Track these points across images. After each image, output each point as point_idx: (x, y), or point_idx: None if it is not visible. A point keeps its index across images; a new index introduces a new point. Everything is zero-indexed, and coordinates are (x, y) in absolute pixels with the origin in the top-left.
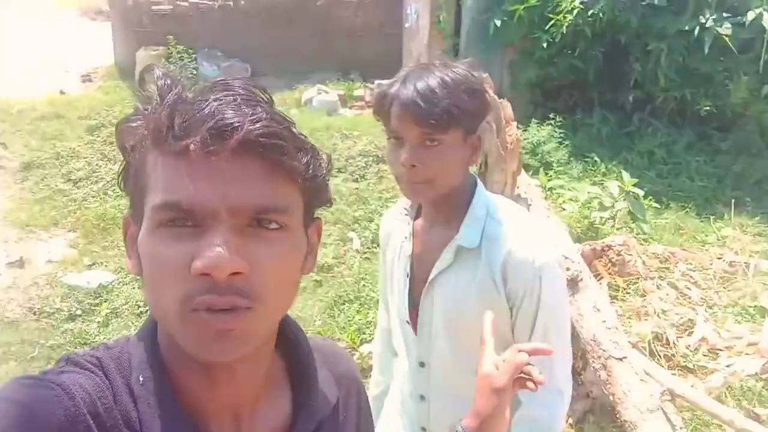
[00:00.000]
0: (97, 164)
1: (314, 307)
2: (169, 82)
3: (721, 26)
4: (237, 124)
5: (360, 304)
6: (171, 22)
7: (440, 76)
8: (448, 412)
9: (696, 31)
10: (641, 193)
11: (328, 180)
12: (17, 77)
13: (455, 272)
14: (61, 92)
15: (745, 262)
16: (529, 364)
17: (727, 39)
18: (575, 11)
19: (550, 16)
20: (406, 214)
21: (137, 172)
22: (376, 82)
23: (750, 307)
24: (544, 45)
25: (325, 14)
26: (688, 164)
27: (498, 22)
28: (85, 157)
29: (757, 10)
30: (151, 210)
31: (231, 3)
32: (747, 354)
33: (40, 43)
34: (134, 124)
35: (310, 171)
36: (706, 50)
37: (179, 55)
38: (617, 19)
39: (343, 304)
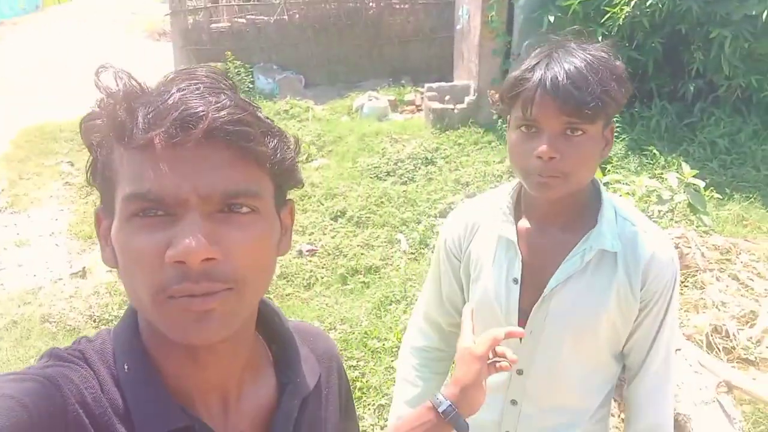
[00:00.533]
0: None
1: (361, 308)
2: (127, 78)
3: None
4: (201, 113)
5: (407, 304)
6: (229, 39)
7: (586, 58)
8: (539, 420)
9: (764, 15)
10: (702, 184)
11: (297, 162)
12: (84, 98)
13: (587, 278)
14: None
15: None
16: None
17: None
18: (632, 3)
19: (606, 9)
20: (508, 213)
21: (105, 167)
22: (426, 85)
23: None
24: (600, 39)
25: (377, 22)
26: (753, 153)
27: (552, 18)
28: None
29: None
30: (122, 201)
31: (285, 17)
32: None
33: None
34: (99, 121)
35: (278, 155)
36: None
37: (236, 70)
38: (677, 9)
39: (390, 304)
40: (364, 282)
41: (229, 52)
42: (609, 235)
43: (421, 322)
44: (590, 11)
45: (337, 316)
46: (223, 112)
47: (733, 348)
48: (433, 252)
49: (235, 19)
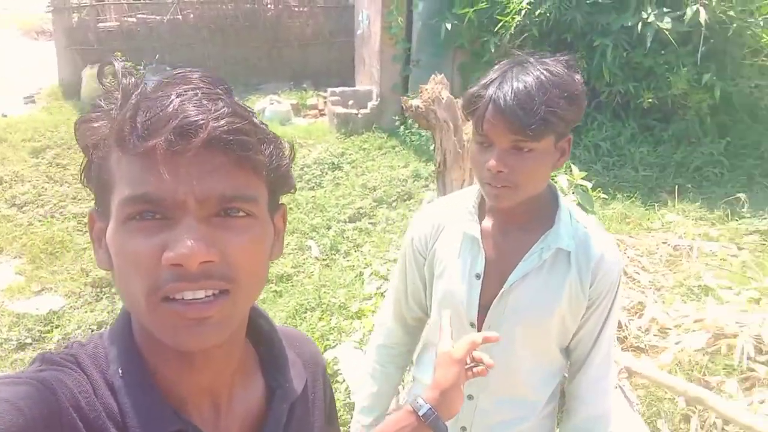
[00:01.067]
0: (42, 187)
1: (275, 318)
2: (132, 80)
3: (662, 21)
4: (201, 122)
5: (322, 311)
6: (118, 39)
7: (538, 77)
8: (494, 413)
9: (639, 27)
10: (589, 185)
11: (291, 168)
12: None
13: (544, 275)
14: (3, 115)
15: (688, 245)
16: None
17: (667, 33)
18: (523, 12)
19: (499, 17)
20: (473, 213)
21: (101, 169)
22: (329, 90)
23: (694, 286)
24: (492, 48)
25: (275, 24)
26: (632, 155)
27: (449, 26)
28: (29, 181)
29: (695, 6)
30: (119, 204)
31: (179, 16)
32: (694, 330)
33: None
34: (96, 124)
35: (274, 162)
36: (648, 44)
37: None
38: (563, 18)
39: (305, 312)
40: (276, 291)
41: (119, 53)
42: (565, 236)
43: (387, 320)
44: (484, 20)
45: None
46: (222, 122)
47: (626, 337)
48: (345, 257)
49: (125, 18)
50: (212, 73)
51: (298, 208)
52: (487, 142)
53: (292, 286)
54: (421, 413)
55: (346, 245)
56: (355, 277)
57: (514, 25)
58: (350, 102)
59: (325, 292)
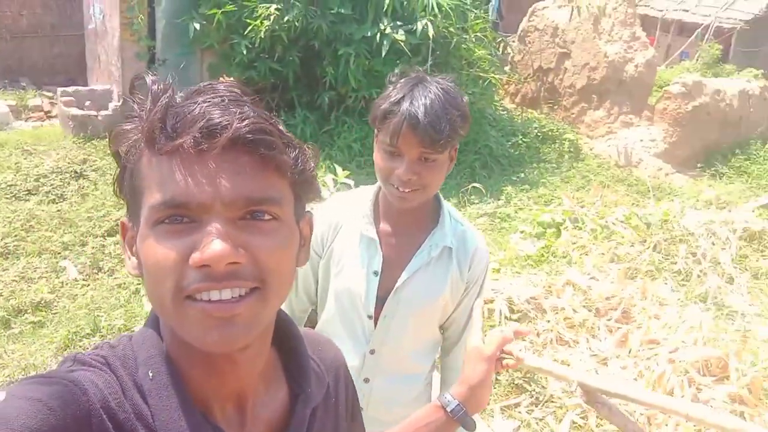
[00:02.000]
0: None
1: (45, 351)
2: (162, 87)
3: (396, 33)
4: (226, 123)
5: (101, 336)
6: None
7: (440, 97)
8: (388, 391)
9: (377, 37)
10: (352, 183)
11: (315, 175)
12: None
13: (431, 269)
14: None
15: None
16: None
17: (402, 44)
18: (272, 17)
19: (248, 21)
20: (370, 216)
21: (132, 175)
22: (59, 89)
23: None
24: (244, 50)
25: None
26: None
27: (197, 26)
28: None
29: (424, 21)
30: (149, 209)
31: None
32: None
33: None
34: (128, 128)
35: (299, 165)
36: (384, 53)
37: None
38: (310, 26)
39: (81, 340)
40: (34, 322)
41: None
42: (449, 234)
43: (301, 303)
44: (233, 21)
45: (17, 366)
46: (246, 122)
47: None
48: (110, 276)
49: None
50: (238, 84)
51: (42, 225)
52: (397, 152)
53: (55, 313)
54: (449, 409)
55: (110, 262)
56: (131, 295)
57: (264, 29)
58: (87, 103)
59: (98, 316)
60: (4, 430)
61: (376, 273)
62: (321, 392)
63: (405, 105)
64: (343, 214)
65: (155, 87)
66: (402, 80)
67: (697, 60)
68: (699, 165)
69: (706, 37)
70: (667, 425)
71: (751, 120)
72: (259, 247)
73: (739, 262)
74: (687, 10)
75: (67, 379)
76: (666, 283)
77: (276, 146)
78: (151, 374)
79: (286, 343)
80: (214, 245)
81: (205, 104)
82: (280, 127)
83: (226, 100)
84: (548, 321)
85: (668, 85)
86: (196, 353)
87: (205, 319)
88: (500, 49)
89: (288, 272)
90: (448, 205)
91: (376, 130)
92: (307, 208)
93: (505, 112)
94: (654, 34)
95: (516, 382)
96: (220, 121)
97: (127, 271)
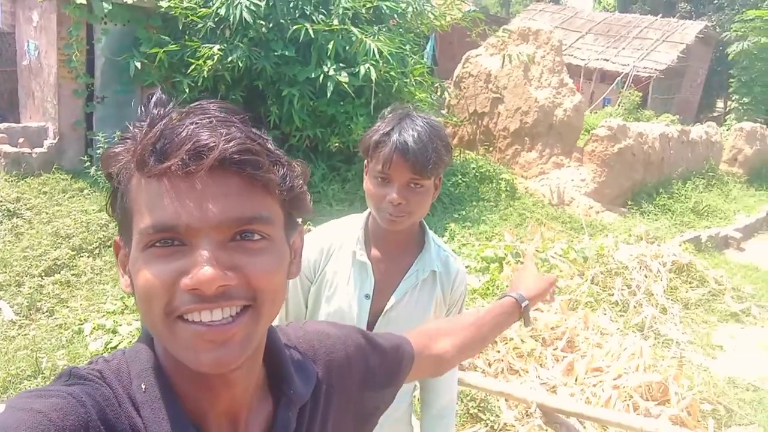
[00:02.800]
0: None
1: None
2: (162, 111)
3: (340, 75)
4: (212, 144)
5: (44, 378)
6: None
7: (426, 129)
8: None
9: (321, 78)
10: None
11: (306, 191)
12: None
13: (418, 292)
14: None
15: None
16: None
17: (345, 86)
18: (215, 57)
19: (191, 60)
20: (362, 242)
21: (123, 197)
22: None
23: None
24: (186, 89)
25: None
26: (326, 192)
27: (138, 64)
28: None
29: (366, 66)
30: (139, 233)
31: None
32: None
33: None
34: (118, 150)
35: (287, 182)
36: (329, 94)
37: None
38: (254, 67)
39: (22, 382)
40: None
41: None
42: (435, 259)
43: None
44: (175, 60)
45: None
46: (232, 143)
47: None
48: (50, 316)
49: None
50: (228, 104)
51: None
52: (387, 179)
53: None
54: (524, 304)
55: (49, 302)
56: (73, 335)
57: (207, 69)
58: (20, 140)
59: (39, 357)
60: None
61: (367, 296)
62: (308, 389)
63: (395, 135)
64: (335, 239)
65: (155, 111)
66: (390, 115)
67: (620, 105)
68: (629, 203)
69: (626, 84)
70: None
71: (671, 161)
72: (249, 268)
73: (671, 293)
74: (607, 59)
75: (65, 392)
76: (605, 314)
77: (262, 165)
78: (144, 387)
79: (267, 353)
80: (203, 270)
81: (193, 126)
82: (269, 146)
83: (215, 121)
84: (498, 351)
85: (595, 128)
86: (188, 370)
87: (198, 341)
88: (438, 93)
89: (279, 289)
90: (431, 232)
91: (366, 161)
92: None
93: None
94: (578, 81)
95: (471, 412)
96: (207, 143)
97: (121, 288)
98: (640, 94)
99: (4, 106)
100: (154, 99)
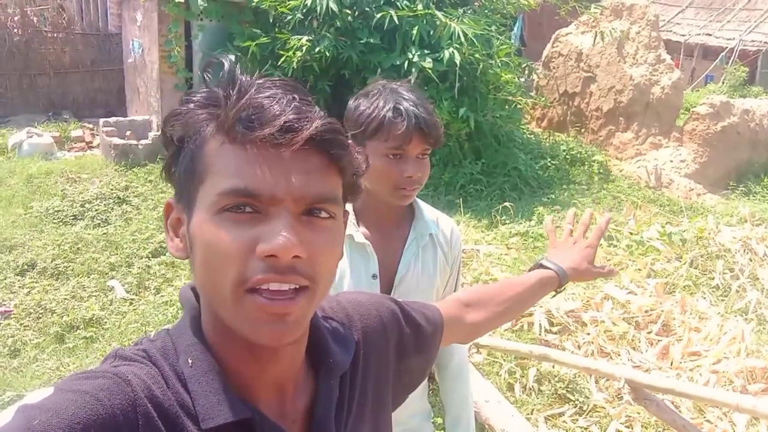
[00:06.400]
0: None
1: (98, 364)
2: (245, 78)
3: (424, 61)
4: (305, 121)
5: None
6: None
7: (420, 97)
8: None
9: (405, 65)
10: None
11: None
12: None
13: (422, 259)
14: None
15: (474, 249)
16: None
17: (429, 71)
18: (304, 48)
19: (281, 52)
20: (355, 223)
21: (193, 159)
22: (102, 120)
23: (488, 280)
24: None
25: (24, 50)
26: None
27: (233, 57)
28: None
29: (450, 50)
30: (216, 195)
31: None
32: None
33: None
34: (200, 112)
35: (355, 166)
36: (413, 81)
37: None
38: (340, 56)
39: None
40: (86, 337)
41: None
42: (429, 222)
43: None
44: (267, 54)
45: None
46: (319, 122)
47: None
48: (157, 294)
49: None
50: (294, 81)
51: (88, 248)
52: (399, 154)
53: (106, 329)
54: (563, 279)
55: (155, 281)
56: (178, 310)
57: (296, 60)
58: (128, 132)
59: (148, 330)
60: (56, 421)
61: (374, 276)
62: (348, 357)
63: (405, 109)
64: None
65: (243, 79)
66: (375, 91)
67: (723, 83)
68: (731, 184)
69: (731, 60)
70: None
71: None
72: (316, 245)
73: None
74: (710, 34)
75: (112, 372)
76: (704, 297)
77: (345, 146)
78: (190, 361)
79: None
80: (283, 236)
81: (284, 100)
82: (343, 129)
83: (297, 98)
84: (588, 334)
85: (695, 107)
86: (237, 342)
87: (260, 314)
88: (525, 75)
89: (334, 270)
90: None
91: (366, 141)
92: None
93: (533, 135)
94: (678, 58)
95: (559, 392)
96: (300, 118)
97: (169, 251)
98: (747, 69)
99: (113, 102)
100: (233, 66)
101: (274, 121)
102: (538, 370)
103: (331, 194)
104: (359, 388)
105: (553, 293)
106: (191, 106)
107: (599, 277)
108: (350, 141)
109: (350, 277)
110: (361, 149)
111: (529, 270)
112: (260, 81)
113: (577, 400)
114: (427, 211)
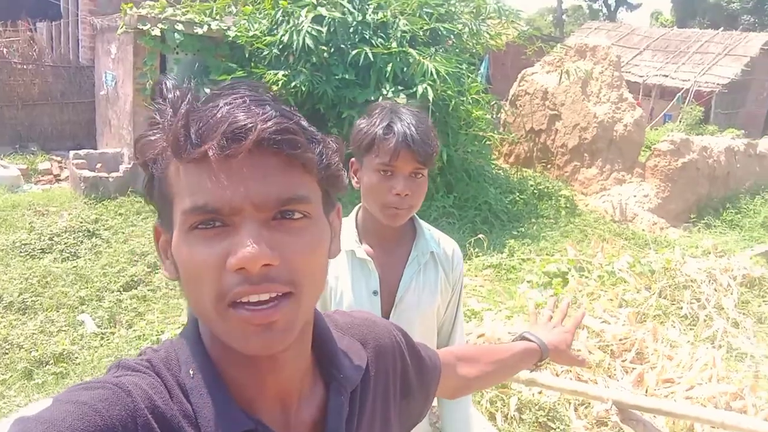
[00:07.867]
0: None
1: None
2: (179, 93)
3: (398, 96)
4: (250, 125)
5: None
6: None
7: (419, 118)
8: None
9: (380, 100)
10: None
11: (341, 168)
12: None
13: (422, 277)
14: None
15: None
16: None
17: None
18: (280, 83)
19: None
20: (357, 240)
21: (161, 183)
22: (72, 152)
23: (466, 311)
24: None
25: None
26: None
27: (208, 91)
28: None
29: (424, 86)
30: (181, 215)
31: None
32: (481, 341)
33: None
34: (153, 138)
35: (324, 160)
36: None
37: None
38: (316, 91)
39: None
40: (56, 373)
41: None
42: (430, 240)
43: None
44: None
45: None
46: (269, 123)
47: None
48: (128, 328)
49: None
50: (259, 83)
51: (58, 281)
52: (390, 171)
53: (77, 364)
54: (544, 353)
55: (127, 315)
56: (152, 344)
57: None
58: (98, 165)
59: None
60: None
61: (375, 293)
62: (359, 372)
63: (396, 127)
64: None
65: (172, 95)
66: (377, 111)
67: (681, 121)
68: (692, 217)
69: (687, 100)
70: None
71: (738, 175)
72: (290, 248)
73: (742, 307)
74: (666, 75)
75: (112, 383)
76: (674, 326)
77: (301, 145)
78: (192, 373)
79: (315, 336)
80: (247, 248)
81: (227, 106)
82: (303, 123)
83: (248, 101)
84: None
85: (656, 144)
86: (236, 354)
87: (246, 327)
88: (494, 112)
89: (320, 271)
90: (417, 217)
91: (362, 158)
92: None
93: (501, 171)
94: (638, 98)
95: (540, 420)
96: (245, 124)
97: (162, 274)
98: (702, 109)
99: (81, 135)
100: (167, 84)
101: (216, 131)
102: (518, 398)
103: (297, 194)
104: (369, 406)
105: (533, 367)
106: (149, 132)
107: (574, 365)
108: (315, 133)
109: (351, 293)
110: (359, 164)
111: (512, 341)
112: (219, 89)
113: (558, 427)
114: (429, 230)
